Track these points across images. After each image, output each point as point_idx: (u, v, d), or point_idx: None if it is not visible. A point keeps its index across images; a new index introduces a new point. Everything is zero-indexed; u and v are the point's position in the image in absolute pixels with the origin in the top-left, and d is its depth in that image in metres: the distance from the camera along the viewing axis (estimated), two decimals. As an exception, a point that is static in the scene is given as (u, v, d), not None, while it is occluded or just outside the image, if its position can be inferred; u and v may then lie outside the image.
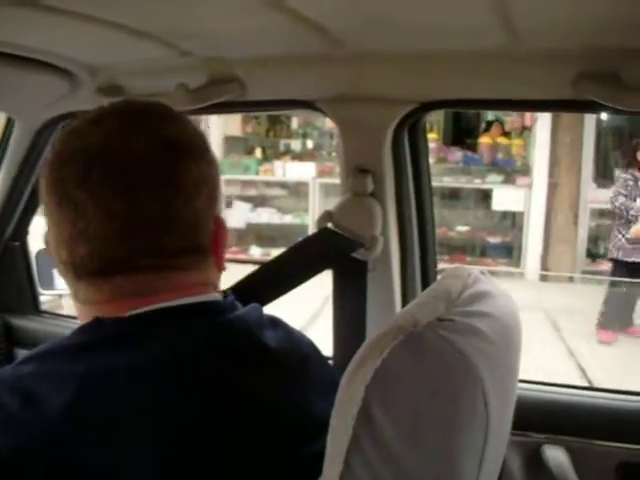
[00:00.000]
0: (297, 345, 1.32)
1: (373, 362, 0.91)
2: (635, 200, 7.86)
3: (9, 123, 2.49)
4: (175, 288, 1.16)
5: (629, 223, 7.86)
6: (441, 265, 2.24)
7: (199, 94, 1.93)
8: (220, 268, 1.25)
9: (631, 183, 7.88)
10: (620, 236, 7.89)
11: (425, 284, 2.12)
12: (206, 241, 1.20)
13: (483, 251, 11.62)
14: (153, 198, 1.12)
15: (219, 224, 1.23)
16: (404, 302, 2.06)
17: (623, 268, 7.89)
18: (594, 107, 1.71)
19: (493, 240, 11.59)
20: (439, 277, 1.16)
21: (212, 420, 1.06)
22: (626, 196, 7.85)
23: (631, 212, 7.83)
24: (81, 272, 1.15)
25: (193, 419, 1.05)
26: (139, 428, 1.01)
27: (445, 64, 1.78)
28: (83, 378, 1.03)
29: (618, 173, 11.14)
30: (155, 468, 1.00)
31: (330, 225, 1.92)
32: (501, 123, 11.83)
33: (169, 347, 1.09)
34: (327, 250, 1.91)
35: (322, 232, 1.91)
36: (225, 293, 1.27)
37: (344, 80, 1.88)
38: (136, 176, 1.12)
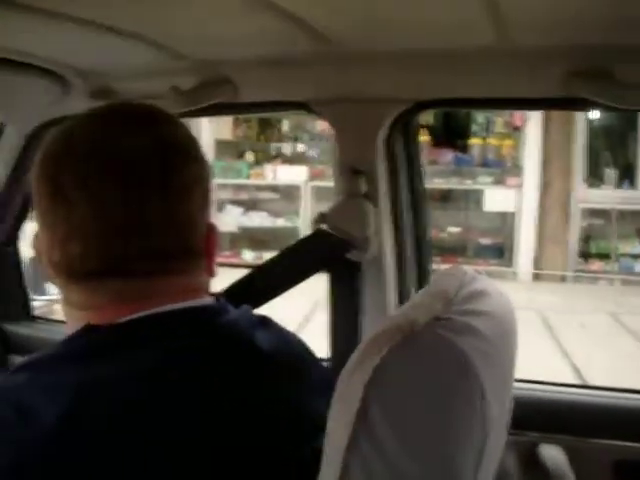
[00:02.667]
0: (289, 345, 1.31)
1: (372, 361, 0.91)
2: None
3: (0, 127, 2.48)
4: (168, 293, 1.15)
5: None
6: (433, 267, 2.24)
7: (191, 96, 1.92)
8: (211, 273, 1.24)
9: None
10: None
11: (420, 285, 2.11)
12: (199, 244, 1.19)
13: (475, 252, 11.62)
14: (148, 198, 1.11)
15: (211, 228, 1.22)
16: (399, 303, 2.06)
17: None
18: (586, 105, 1.71)
19: (485, 241, 11.60)
20: (434, 277, 1.16)
21: (209, 426, 1.05)
22: None
23: None
24: (73, 274, 1.13)
25: (190, 426, 1.04)
26: (137, 439, 1.00)
27: (437, 63, 1.78)
28: (77, 388, 1.01)
29: (608, 172, 11.20)
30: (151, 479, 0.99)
31: (324, 227, 1.92)
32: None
33: (163, 355, 1.08)
34: (321, 251, 1.90)
35: (316, 234, 1.91)
36: (217, 297, 1.25)
37: (337, 81, 1.88)
38: (132, 175, 1.11)
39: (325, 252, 1.90)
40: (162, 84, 1.91)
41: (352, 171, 1.93)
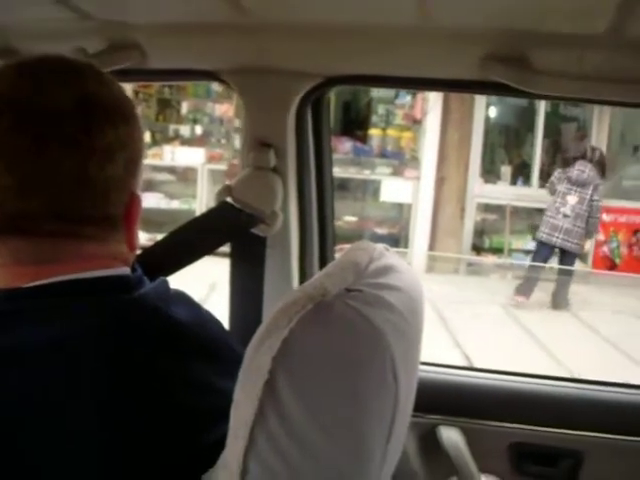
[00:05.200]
0: (204, 322, 1.28)
1: (280, 332, 0.88)
2: None
3: None
4: (81, 259, 1.11)
5: None
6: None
7: (98, 60, 1.83)
8: (131, 245, 1.20)
9: None
10: None
11: (323, 262, 2.10)
12: (117, 212, 1.14)
13: (370, 241, 11.70)
14: (63, 155, 1.06)
15: (133, 198, 1.17)
16: (302, 279, 2.05)
17: None
18: (501, 89, 1.70)
19: (380, 231, 11.69)
20: (343, 251, 1.14)
21: (116, 402, 1.01)
22: None
23: None
24: None
25: (98, 402, 0.99)
26: (38, 410, 0.96)
27: (353, 39, 1.75)
28: None
29: (504, 169, 11.45)
30: (49, 450, 0.95)
31: (229, 199, 1.87)
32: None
33: (67, 328, 1.03)
34: (226, 224, 1.87)
35: (221, 206, 1.87)
36: (133, 268, 1.21)
37: (249, 51, 1.83)
38: (48, 129, 1.06)
39: (230, 225, 1.87)
40: (68, 46, 1.82)
41: (261, 144, 1.90)
